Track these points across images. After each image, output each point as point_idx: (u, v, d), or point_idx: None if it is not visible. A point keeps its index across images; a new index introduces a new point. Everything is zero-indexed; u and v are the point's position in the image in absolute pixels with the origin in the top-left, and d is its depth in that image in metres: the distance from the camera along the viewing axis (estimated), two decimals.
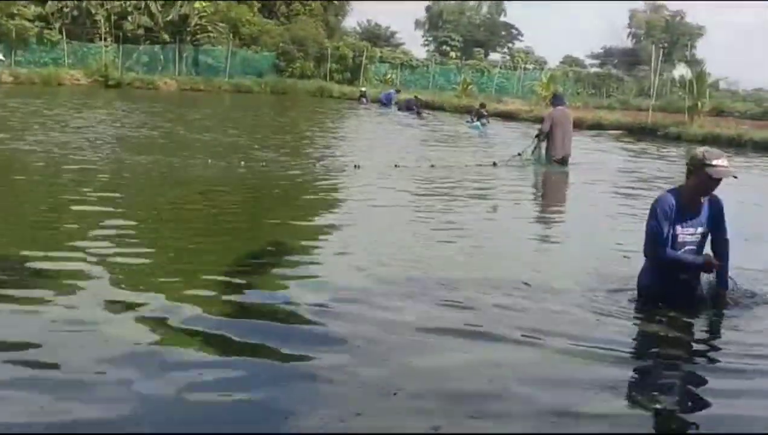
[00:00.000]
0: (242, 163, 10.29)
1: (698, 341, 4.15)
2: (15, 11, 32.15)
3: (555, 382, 3.41)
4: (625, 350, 3.82)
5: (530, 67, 53.53)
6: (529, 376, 3.43)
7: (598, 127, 22.87)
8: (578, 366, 3.57)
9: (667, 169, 13.34)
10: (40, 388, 3.02)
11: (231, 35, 39.57)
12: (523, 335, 3.88)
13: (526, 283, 4.86)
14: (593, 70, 59.64)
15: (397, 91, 31.68)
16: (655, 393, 3.32)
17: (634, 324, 4.28)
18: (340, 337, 3.76)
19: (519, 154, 12.48)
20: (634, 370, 3.64)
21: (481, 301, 4.49)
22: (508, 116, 25.95)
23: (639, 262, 4.58)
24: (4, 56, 29.06)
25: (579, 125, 22.81)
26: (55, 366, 3.25)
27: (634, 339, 4.08)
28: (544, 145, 12.37)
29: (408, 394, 3.17)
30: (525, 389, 3.26)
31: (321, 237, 6.31)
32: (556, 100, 13.33)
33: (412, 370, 3.43)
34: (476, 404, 3.13)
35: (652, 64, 28.63)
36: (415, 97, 29.36)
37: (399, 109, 27.56)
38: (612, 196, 9.90)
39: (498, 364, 3.55)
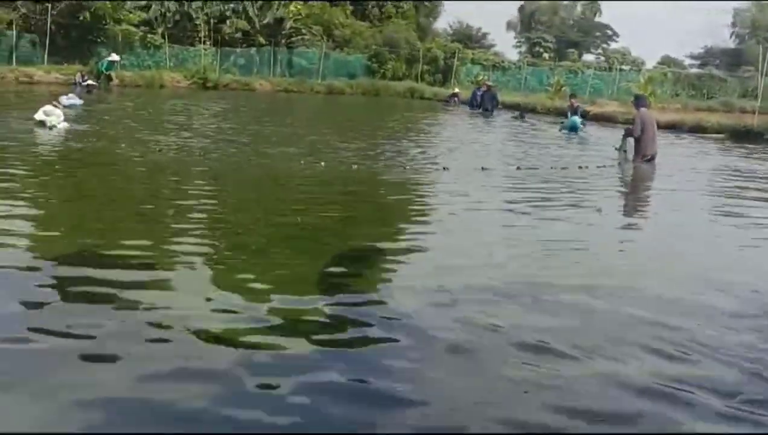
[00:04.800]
0: (322, 163, 10.31)
1: None
2: (121, 17, 33.53)
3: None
4: None
5: (626, 68, 52.18)
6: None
7: (699, 129, 22.07)
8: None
9: None
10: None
11: (324, 38, 40.13)
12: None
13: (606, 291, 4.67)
14: (693, 70, 57.63)
15: (484, 88, 30.40)
16: None
17: None
18: (444, 341, 3.71)
19: (617, 149, 13.09)
20: None
21: (591, 311, 4.36)
22: (602, 119, 25.32)
23: None
24: (117, 55, 30.44)
25: (679, 127, 22.23)
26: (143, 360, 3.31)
27: None
28: (631, 144, 12.64)
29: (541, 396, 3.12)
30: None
31: (414, 241, 6.18)
32: (640, 101, 13.37)
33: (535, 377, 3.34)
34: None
35: (759, 64, 27.41)
36: (484, 84, 29.27)
37: (485, 109, 27.13)
38: (709, 198, 9.54)
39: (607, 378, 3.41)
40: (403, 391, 3.09)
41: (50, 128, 12.44)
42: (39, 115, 12.71)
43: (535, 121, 24.32)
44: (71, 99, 17.61)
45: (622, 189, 10.74)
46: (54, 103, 13.65)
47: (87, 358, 3.29)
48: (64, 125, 12.72)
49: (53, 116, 12.68)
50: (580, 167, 11.66)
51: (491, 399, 3.10)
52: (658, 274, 5.33)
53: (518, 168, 11.14)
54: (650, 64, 62.06)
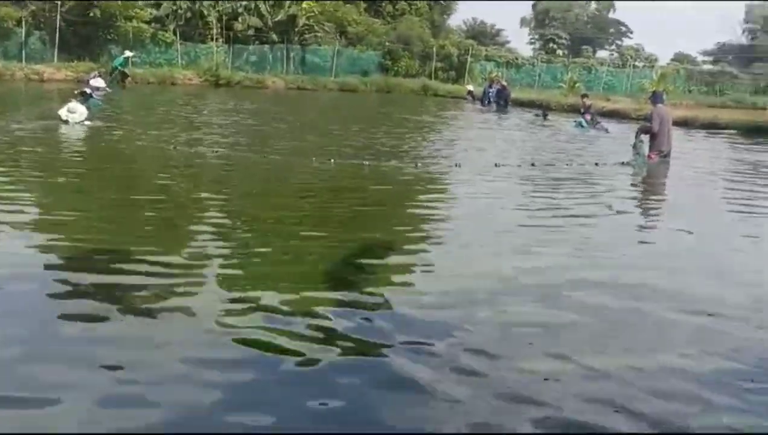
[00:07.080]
0: (332, 160, 10.31)
1: None
2: (132, 14, 33.60)
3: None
4: None
5: (640, 64, 51.99)
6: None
7: (711, 126, 21.96)
8: None
9: None
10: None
11: (337, 35, 40.15)
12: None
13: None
14: (706, 67, 57.27)
15: (498, 86, 29.73)
16: None
17: None
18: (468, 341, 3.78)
19: (633, 146, 12.66)
20: None
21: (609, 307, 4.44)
22: (615, 115, 25.25)
23: None
24: (130, 51, 30.64)
25: (692, 124, 22.13)
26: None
27: None
28: (646, 140, 12.55)
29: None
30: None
31: (422, 240, 6.17)
32: (657, 97, 13.31)
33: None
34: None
35: None
36: (497, 81, 29.25)
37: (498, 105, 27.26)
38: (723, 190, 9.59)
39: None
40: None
41: (73, 125, 12.64)
42: (63, 113, 12.91)
43: (554, 119, 24.22)
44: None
45: (637, 186, 10.72)
46: (74, 99, 13.82)
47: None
48: (87, 123, 12.94)
49: (76, 114, 12.90)
50: (596, 164, 11.67)
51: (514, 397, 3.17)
52: (678, 271, 5.41)
53: (533, 164, 11.17)
54: (663, 60, 61.84)
